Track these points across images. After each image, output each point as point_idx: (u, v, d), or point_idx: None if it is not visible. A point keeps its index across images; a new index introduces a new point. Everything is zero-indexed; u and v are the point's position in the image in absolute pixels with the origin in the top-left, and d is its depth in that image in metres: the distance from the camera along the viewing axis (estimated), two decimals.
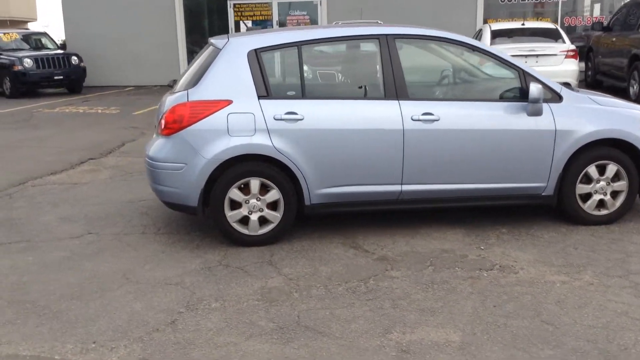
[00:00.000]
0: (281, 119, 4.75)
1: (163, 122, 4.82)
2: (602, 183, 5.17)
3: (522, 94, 5.03)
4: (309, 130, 4.77)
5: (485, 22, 16.66)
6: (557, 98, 5.06)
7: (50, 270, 4.51)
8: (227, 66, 4.82)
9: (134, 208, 5.99)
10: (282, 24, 17.58)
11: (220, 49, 4.87)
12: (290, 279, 4.29)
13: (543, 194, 5.15)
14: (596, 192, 5.19)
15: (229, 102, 4.75)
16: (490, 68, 5.18)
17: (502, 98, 5.08)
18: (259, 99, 4.79)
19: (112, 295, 4.10)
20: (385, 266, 4.49)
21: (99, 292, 4.15)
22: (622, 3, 14.67)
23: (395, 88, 4.89)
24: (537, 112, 4.97)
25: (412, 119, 4.85)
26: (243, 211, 4.85)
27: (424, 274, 4.35)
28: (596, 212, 5.24)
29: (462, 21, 16.55)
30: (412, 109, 4.87)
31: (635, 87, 11.33)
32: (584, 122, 5.05)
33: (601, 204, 5.22)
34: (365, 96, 5.00)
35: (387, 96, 4.91)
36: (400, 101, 4.89)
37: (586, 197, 5.22)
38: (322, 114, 4.81)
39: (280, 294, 4.07)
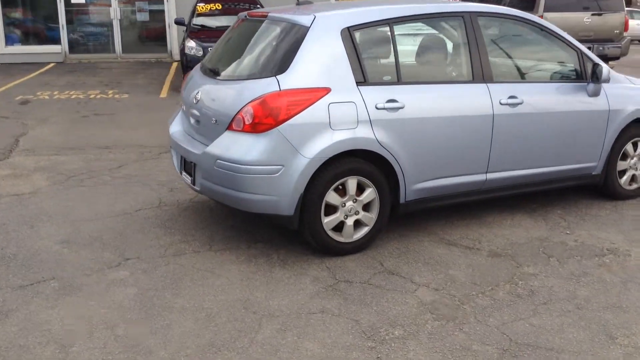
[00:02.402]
0: (383, 108, 4.17)
1: (249, 117, 3.94)
2: (635, 159, 5.41)
3: (578, 75, 5.03)
4: (410, 119, 4.26)
5: None
6: (607, 78, 5.13)
7: (142, 316, 3.47)
8: (319, 47, 4.08)
9: (144, 221, 4.89)
10: None
11: (308, 27, 4.09)
12: (437, 290, 3.81)
13: (593, 173, 5.23)
14: (630, 167, 5.41)
15: (328, 89, 4.03)
16: (552, 49, 5.07)
17: (564, 79, 5.03)
18: (357, 85, 4.13)
19: (267, 337, 3.27)
20: (509, 263, 4.21)
21: (246, 335, 3.28)
22: None
23: (482, 70, 4.57)
24: (597, 93, 5.01)
25: (501, 103, 4.58)
26: (340, 216, 4.19)
27: (555, 266, 4.16)
28: (628, 187, 5.47)
29: None
30: (499, 92, 4.60)
31: None
32: (627, 101, 5.21)
33: (632, 179, 5.46)
34: (457, 79, 4.59)
35: (475, 79, 4.56)
36: (488, 84, 4.58)
37: (621, 173, 5.42)
38: (421, 101, 4.32)
39: (447, 308, 3.59)
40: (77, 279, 3.90)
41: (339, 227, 4.22)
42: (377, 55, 4.36)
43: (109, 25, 16.23)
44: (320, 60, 4.06)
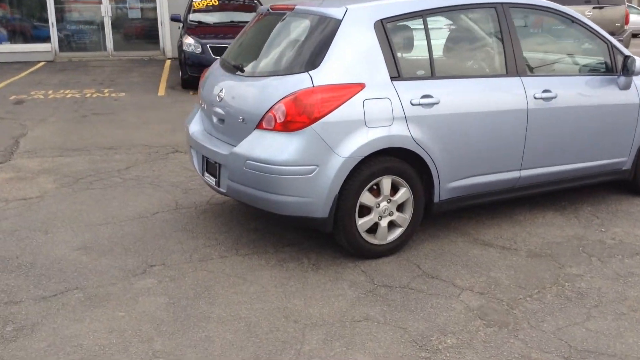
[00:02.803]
0: (418, 104, 3.99)
1: (280, 115, 3.74)
2: None
3: (608, 68, 4.89)
4: (445, 115, 4.08)
5: None
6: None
7: (178, 328, 3.27)
8: (352, 41, 3.88)
9: (163, 224, 4.68)
10: None
11: (340, 19, 3.89)
12: (482, 293, 3.65)
13: (623, 168, 5.10)
14: None
15: (362, 85, 3.84)
16: (583, 41, 4.92)
17: (595, 72, 4.88)
18: (391, 80, 3.95)
19: (314, 349, 3.08)
20: (551, 263, 4.05)
21: (291, 346, 3.09)
22: None
23: (515, 63, 4.40)
24: (628, 86, 4.87)
25: (535, 97, 4.42)
26: (374, 217, 4.01)
27: (598, 266, 4.01)
28: None
29: None
30: (533, 86, 4.44)
31: None
32: None
33: None
34: (490, 73, 4.42)
35: (509, 72, 4.40)
36: (522, 78, 4.41)
37: None
38: (456, 96, 4.14)
39: (497, 313, 3.42)
40: (102, 289, 3.68)
41: (372, 229, 4.03)
42: (410, 49, 4.18)
43: (100, 22, 15.91)
44: (354, 54, 3.87)
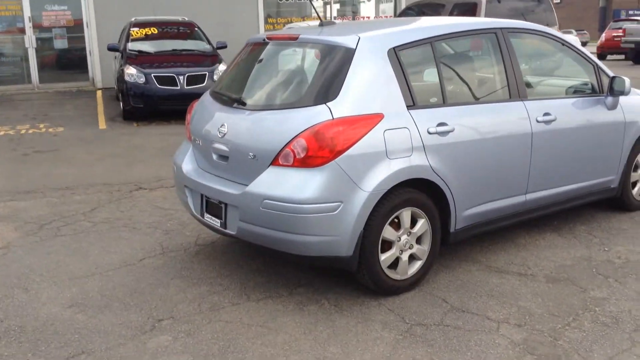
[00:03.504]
0: (435, 133, 3.86)
1: (300, 150, 3.51)
2: None
3: (595, 89, 4.97)
4: (460, 142, 3.98)
5: (266, 20, 16.41)
6: (629, 90, 5.08)
7: None
8: (368, 70, 3.72)
9: (155, 272, 4.32)
10: (35, 19, 14.78)
11: (354, 48, 3.72)
12: (519, 325, 3.52)
13: (612, 186, 5.17)
14: None
15: (381, 115, 3.68)
16: (572, 64, 4.97)
17: (585, 93, 4.93)
18: (407, 109, 3.81)
19: None
20: (573, 288, 4.00)
21: None
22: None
23: (517, 87, 4.38)
24: (615, 106, 4.96)
25: (537, 121, 4.40)
26: (395, 252, 3.83)
27: (618, 287, 3.99)
28: (639, 198, 5.47)
29: (246, 19, 16.02)
30: (535, 109, 4.43)
31: None
32: (639, 112, 5.20)
33: None
34: (495, 98, 4.36)
35: (512, 97, 4.36)
36: (524, 102, 4.39)
37: (633, 185, 5.40)
38: (469, 123, 4.06)
39: (544, 346, 3.31)
40: (113, 351, 3.30)
41: (392, 264, 3.85)
42: (422, 76, 4.05)
43: (24, 54, 15.06)
44: (370, 84, 3.71)
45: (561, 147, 4.58)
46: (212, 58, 11.44)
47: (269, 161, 3.65)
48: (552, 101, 4.58)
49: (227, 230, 3.91)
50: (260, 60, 4.32)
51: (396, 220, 3.80)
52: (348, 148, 3.52)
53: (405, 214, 3.81)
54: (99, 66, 15.35)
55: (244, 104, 4.03)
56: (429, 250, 3.99)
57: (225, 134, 3.94)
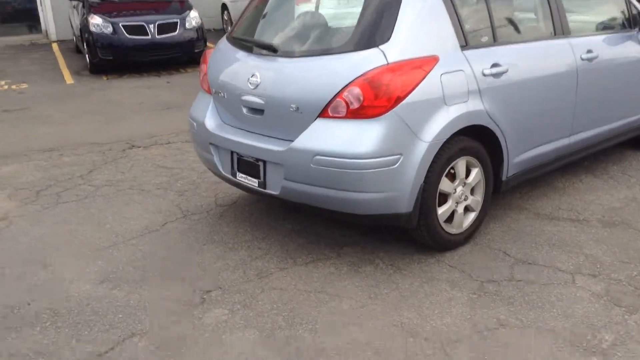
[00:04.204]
0: (490, 75, 3.57)
1: (354, 99, 3.17)
2: None
3: (629, 24, 4.74)
4: (512, 84, 3.71)
5: None
6: None
7: None
8: (420, 8, 3.36)
9: (183, 237, 3.97)
10: None
11: None
12: (594, 276, 3.36)
13: None
14: None
15: (436, 58, 3.35)
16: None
17: (619, 29, 4.70)
18: (461, 49, 3.50)
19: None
20: (631, 232, 3.85)
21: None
22: None
23: (561, 23, 4.11)
24: None
25: (582, 59, 4.16)
26: (452, 205, 3.59)
27: None
28: None
29: None
30: (578, 46, 4.18)
31: None
32: None
33: None
34: (542, 36, 4.07)
35: (556, 33, 4.09)
36: (569, 39, 4.13)
37: None
38: (520, 63, 3.78)
39: (629, 297, 3.14)
40: (168, 331, 2.98)
41: (448, 217, 3.61)
42: (473, 14, 3.71)
43: None
44: (423, 22, 3.36)
45: (603, 85, 4.37)
46: (181, 4, 10.76)
47: (315, 113, 3.31)
48: (591, 38, 4.33)
49: (266, 191, 3.58)
50: (286, 1, 3.90)
51: (452, 171, 3.53)
52: (406, 95, 3.20)
53: (461, 164, 3.55)
54: (52, 17, 14.38)
55: (275, 50, 3.63)
56: (482, 201, 3.75)
57: (258, 85, 3.55)
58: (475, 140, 3.60)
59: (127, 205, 4.53)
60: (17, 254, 3.83)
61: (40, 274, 3.56)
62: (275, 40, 3.70)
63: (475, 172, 3.65)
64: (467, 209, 3.70)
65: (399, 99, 3.17)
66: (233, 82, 3.75)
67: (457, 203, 3.60)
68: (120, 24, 9.78)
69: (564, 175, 4.78)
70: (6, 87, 9.44)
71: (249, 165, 3.65)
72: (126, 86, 9.22)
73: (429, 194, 3.40)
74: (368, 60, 3.21)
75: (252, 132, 3.67)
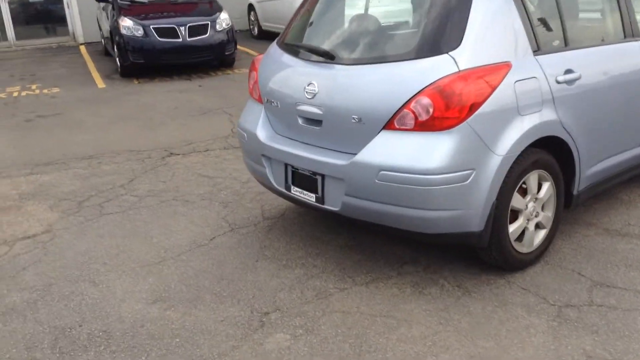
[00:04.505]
0: (563, 82, 3.35)
1: (423, 110, 2.97)
2: None
3: None
4: (587, 91, 3.49)
5: None
6: None
7: None
8: (491, 10, 3.15)
9: (232, 253, 3.81)
10: None
11: None
12: None
13: None
14: None
15: (509, 64, 3.14)
16: None
17: None
18: (534, 54, 3.28)
19: None
20: None
21: None
22: None
23: (630, 25, 3.87)
24: None
25: None
26: (522, 222, 3.37)
27: None
28: None
29: None
30: None
31: None
32: None
33: None
34: (612, 39, 3.84)
35: (626, 36, 3.85)
36: (639, 41, 3.89)
37: None
38: (594, 68, 3.56)
39: None
40: (228, 357, 2.80)
41: (520, 235, 3.40)
42: (544, 15, 3.49)
43: None
44: (495, 26, 3.16)
45: None
46: (210, 5, 10.63)
47: (380, 125, 3.11)
48: None
49: (324, 206, 3.39)
50: (343, 2, 3.71)
51: (523, 186, 3.31)
52: (480, 105, 3.00)
53: (532, 178, 3.34)
54: (79, 19, 14.36)
55: (332, 57, 3.44)
56: (553, 217, 3.53)
57: (315, 94, 3.37)
58: (548, 153, 3.38)
59: (172, 218, 4.37)
60: (63, 269, 3.69)
61: (90, 292, 3.41)
62: (332, 47, 3.51)
63: (546, 187, 3.43)
64: (538, 226, 3.48)
65: (471, 110, 2.97)
66: (288, 91, 3.57)
67: (527, 220, 3.39)
68: (151, 27, 9.68)
69: (628, 187, 4.53)
70: (38, 91, 9.37)
71: (305, 179, 3.47)
72: (159, 90, 9.10)
73: (501, 211, 3.19)
74: (438, 67, 3.01)
75: (308, 144, 3.49)
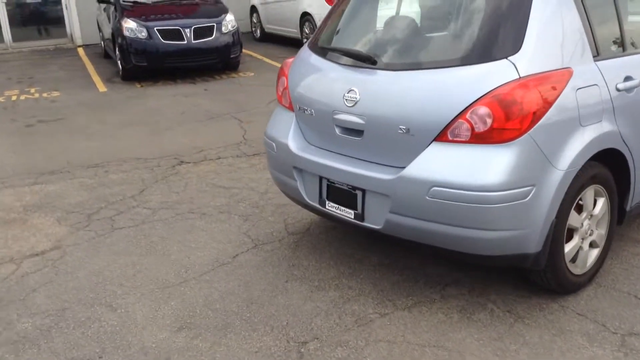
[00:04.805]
0: (623, 89, 3.10)
1: (480, 121, 2.72)
2: None
3: None
4: None
5: None
6: None
7: None
8: (551, 9, 2.90)
9: (258, 272, 3.54)
10: None
11: None
12: None
13: None
14: None
15: (570, 71, 2.89)
16: None
17: None
18: (594, 60, 3.03)
19: None
20: None
21: None
22: None
23: None
24: None
25: None
26: (578, 241, 3.11)
27: None
28: None
29: None
30: None
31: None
32: None
33: None
34: None
35: None
36: None
37: None
38: None
39: None
40: None
41: (574, 255, 3.14)
42: (603, 18, 3.24)
43: None
44: (556, 28, 2.90)
45: None
46: (216, 6, 10.35)
47: (431, 137, 2.85)
48: None
49: (364, 224, 3.12)
50: (383, 1, 3.45)
51: (580, 202, 3.06)
52: (542, 116, 2.74)
53: (589, 194, 3.09)
54: (77, 21, 14.03)
55: (374, 62, 3.17)
56: (607, 235, 3.28)
57: (357, 102, 3.10)
58: (604, 166, 3.12)
59: (190, 233, 4.09)
60: (77, 291, 3.40)
61: (108, 318, 3.13)
62: (374, 50, 3.25)
63: (602, 203, 3.18)
64: (591, 245, 3.23)
65: (534, 121, 2.71)
66: (324, 98, 3.30)
67: (582, 239, 3.13)
68: (155, 29, 9.39)
69: None
70: (37, 95, 9.07)
71: (342, 193, 3.20)
72: (163, 94, 8.81)
73: (559, 230, 2.93)
74: (496, 74, 2.75)
75: (346, 156, 3.22)
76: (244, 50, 11.30)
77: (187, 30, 9.51)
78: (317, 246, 3.84)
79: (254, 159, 5.62)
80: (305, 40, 11.56)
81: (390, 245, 3.75)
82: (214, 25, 9.71)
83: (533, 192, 2.76)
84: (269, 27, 13.15)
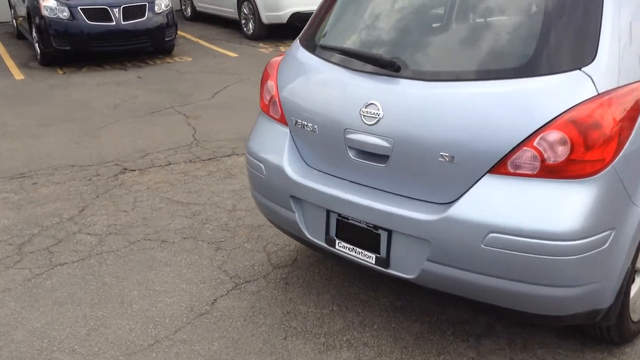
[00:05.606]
0: None
1: (551, 150, 2.14)
2: None
3: None
4: None
5: None
6: None
7: None
8: (626, 10, 2.33)
9: (249, 326, 2.87)
10: None
11: None
12: None
13: None
14: None
15: None
16: None
17: None
18: None
19: None
20: None
21: None
22: None
23: None
24: None
25: None
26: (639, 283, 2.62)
27: None
28: None
29: None
30: None
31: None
32: None
33: None
34: None
35: None
36: None
37: None
38: None
39: None
40: None
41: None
42: None
43: None
44: (631, 33, 2.34)
45: None
46: None
47: (484, 167, 2.25)
48: None
49: (390, 271, 2.50)
50: None
51: None
52: (625, 143, 2.19)
53: None
54: None
55: (397, 68, 2.51)
56: None
57: (379, 119, 2.45)
58: None
59: (152, 270, 3.35)
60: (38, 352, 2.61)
61: None
62: (400, 53, 2.57)
63: None
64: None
65: (618, 149, 2.15)
66: (331, 113, 2.63)
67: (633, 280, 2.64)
68: (78, 8, 8.35)
69: None
70: None
71: (358, 232, 2.56)
72: (90, 82, 7.83)
73: (629, 277, 2.41)
74: (570, 89, 2.17)
75: (364, 185, 2.57)
76: (183, 34, 10.37)
77: (116, 10, 8.53)
78: (312, 284, 3.19)
79: (211, 164, 4.88)
80: (243, 22, 10.70)
81: (400, 285, 3.14)
82: (145, 5, 8.76)
83: (612, 236, 2.21)
84: (201, 6, 12.19)
